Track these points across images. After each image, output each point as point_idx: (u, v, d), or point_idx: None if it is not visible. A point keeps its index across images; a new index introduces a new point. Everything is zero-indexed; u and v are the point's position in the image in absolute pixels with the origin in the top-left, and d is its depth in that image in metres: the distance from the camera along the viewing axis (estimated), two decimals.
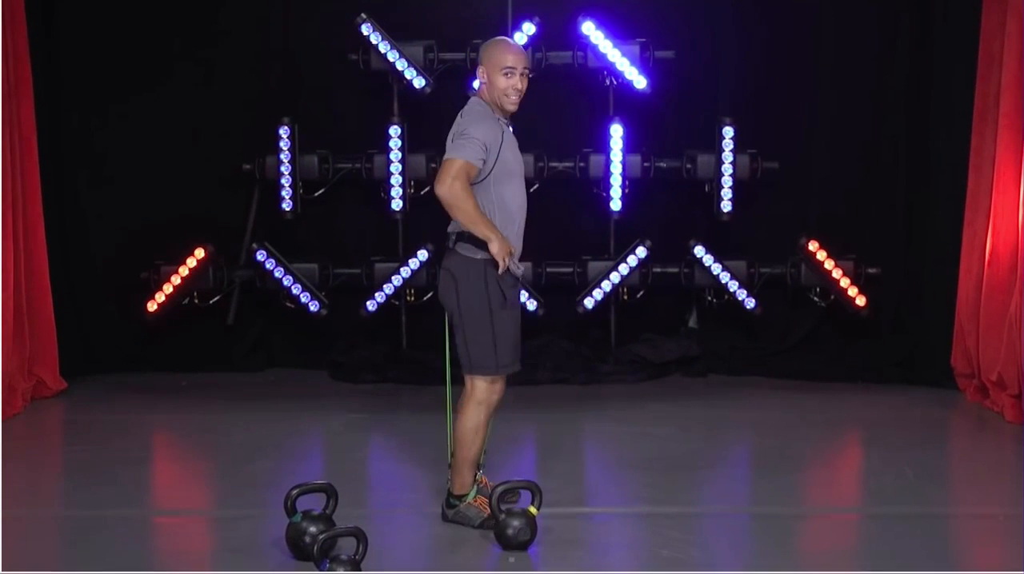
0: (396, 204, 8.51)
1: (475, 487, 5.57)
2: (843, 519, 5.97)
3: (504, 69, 5.37)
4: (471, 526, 5.51)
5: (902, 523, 5.66)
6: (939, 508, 6.00)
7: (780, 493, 6.20)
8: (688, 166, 8.54)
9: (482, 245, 5.29)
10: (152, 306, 8.57)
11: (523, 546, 5.28)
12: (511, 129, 5.51)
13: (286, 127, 8.44)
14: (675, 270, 8.68)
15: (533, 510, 5.34)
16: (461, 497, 5.55)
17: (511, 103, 5.42)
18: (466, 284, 5.36)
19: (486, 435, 5.59)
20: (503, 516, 5.31)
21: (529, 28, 8.35)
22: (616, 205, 8.52)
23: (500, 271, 5.30)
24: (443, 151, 5.36)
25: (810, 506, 6.15)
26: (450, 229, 5.45)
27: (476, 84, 5.49)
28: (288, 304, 8.70)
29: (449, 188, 5.20)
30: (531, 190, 8.31)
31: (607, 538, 5.61)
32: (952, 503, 6.18)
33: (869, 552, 5.44)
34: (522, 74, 5.41)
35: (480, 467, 5.75)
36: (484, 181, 5.33)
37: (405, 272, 8.58)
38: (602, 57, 8.38)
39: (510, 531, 5.28)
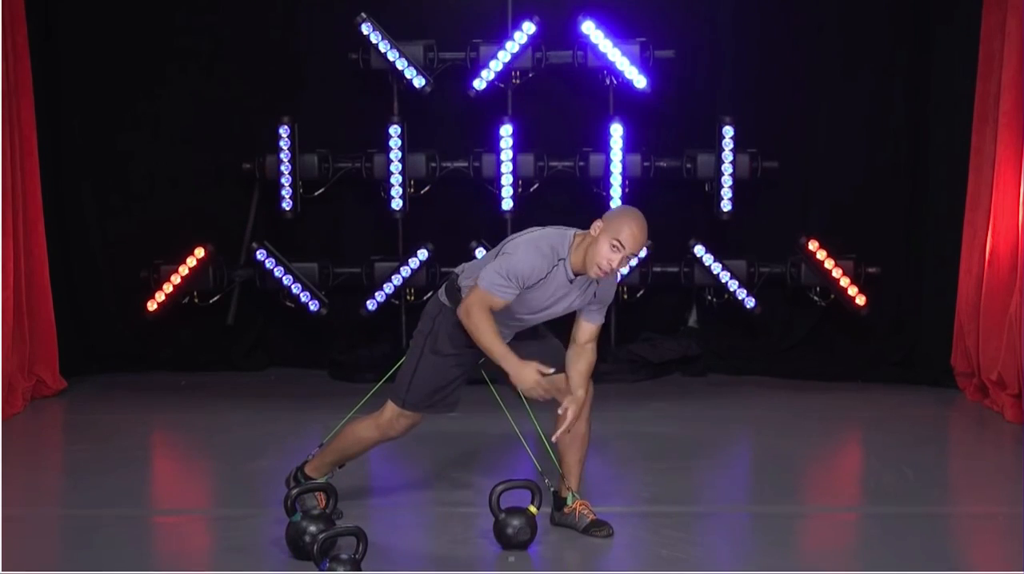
0: (396, 203, 8.50)
1: (327, 478, 5.55)
2: (843, 519, 5.97)
3: (615, 241, 5.04)
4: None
5: (902, 523, 5.65)
6: (939, 508, 5.99)
7: (780, 493, 6.20)
8: (688, 166, 8.53)
9: (454, 297, 5.27)
10: (152, 305, 8.56)
11: (523, 545, 5.28)
12: (572, 283, 5.17)
13: (286, 127, 8.43)
14: (675, 269, 8.66)
15: (533, 510, 5.34)
16: (308, 478, 5.56)
17: (593, 272, 5.10)
18: (425, 318, 5.42)
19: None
20: (503, 515, 5.31)
21: (529, 28, 8.33)
22: (616, 204, 8.52)
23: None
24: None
25: (810, 506, 6.15)
26: (457, 269, 5.38)
27: (594, 231, 5.11)
28: (288, 304, 8.70)
29: (467, 313, 5.12)
30: (531, 189, 8.44)
31: (607, 538, 5.60)
32: (952, 503, 6.17)
33: (869, 552, 5.43)
34: (626, 257, 5.08)
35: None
36: None
37: (405, 271, 8.57)
38: (602, 57, 8.37)
39: (510, 530, 5.27)
